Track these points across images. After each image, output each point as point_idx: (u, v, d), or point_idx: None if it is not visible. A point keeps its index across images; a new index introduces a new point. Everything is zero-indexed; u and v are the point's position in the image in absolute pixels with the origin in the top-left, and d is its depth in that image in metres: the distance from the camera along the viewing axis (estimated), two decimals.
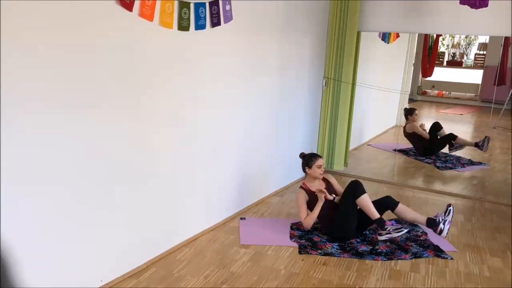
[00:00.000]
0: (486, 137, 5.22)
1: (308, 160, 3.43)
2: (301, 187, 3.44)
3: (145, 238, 2.86)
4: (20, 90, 1.99)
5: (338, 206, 3.35)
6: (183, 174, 3.09)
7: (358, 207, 3.28)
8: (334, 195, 3.39)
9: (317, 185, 3.44)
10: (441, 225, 3.19)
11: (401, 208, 3.32)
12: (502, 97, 5.26)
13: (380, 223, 3.19)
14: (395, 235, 3.16)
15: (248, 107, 3.69)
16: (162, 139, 2.85)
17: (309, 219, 3.33)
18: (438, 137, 5.48)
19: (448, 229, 3.21)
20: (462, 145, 5.36)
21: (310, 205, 3.37)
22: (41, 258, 2.22)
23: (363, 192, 3.25)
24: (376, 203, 3.28)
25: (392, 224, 3.19)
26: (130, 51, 2.50)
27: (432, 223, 3.23)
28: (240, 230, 3.48)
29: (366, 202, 3.22)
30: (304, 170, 3.47)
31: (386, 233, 3.16)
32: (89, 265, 2.50)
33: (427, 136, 5.50)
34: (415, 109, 5.56)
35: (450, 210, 3.26)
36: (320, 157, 3.46)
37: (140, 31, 2.52)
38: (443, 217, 3.23)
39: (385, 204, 3.33)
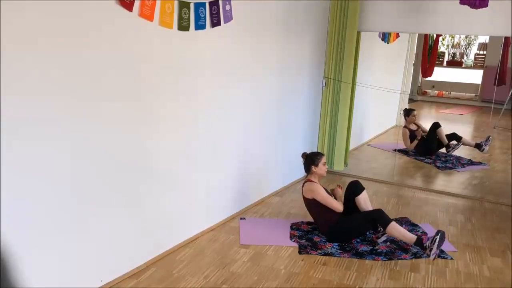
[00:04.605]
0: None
1: (313, 158, 3.43)
2: (309, 181, 3.41)
3: (145, 238, 2.86)
4: (20, 90, 1.99)
5: (350, 216, 3.38)
6: (183, 174, 3.09)
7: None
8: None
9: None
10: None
11: (362, 196, 3.35)
12: (502, 97, 5.26)
13: (420, 244, 3.07)
14: (435, 247, 3.00)
15: (248, 107, 3.69)
16: (162, 139, 2.85)
17: (341, 202, 3.40)
18: (437, 136, 5.49)
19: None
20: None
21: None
22: (41, 258, 2.22)
23: (390, 220, 3.17)
24: (346, 198, 3.42)
25: (427, 239, 3.07)
26: (130, 51, 2.50)
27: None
28: (240, 230, 3.48)
29: (397, 230, 3.12)
30: (309, 170, 3.45)
31: (430, 250, 3.03)
32: (89, 265, 2.50)
33: (411, 147, 5.54)
34: (414, 110, 5.57)
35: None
36: (323, 154, 3.52)
37: (140, 31, 2.52)
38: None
39: (351, 189, 3.41)
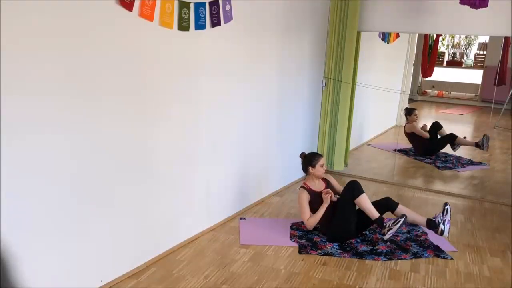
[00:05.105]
0: (484, 135, 5.24)
1: (311, 159, 3.42)
2: (302, 187, 3.43)
3: (145, 238, 2.86)
4: (20, 90, 1.99)
5: (337, 206, 3.35)
6: (184, 174, 3.09)
7: (357, 207, 3.28)
8: (337, 196, 3.42)
9: (318, 185, 3.44)
10: (441, 226, 3.19)
11: (400, 209, 3.31)
12: (502, 97, 5.26)
13: (380, 222, 3.19)
14: (395, 227, 3.11)
15: (248, 107, 3.69)
16: (162, 139, 2.85)
17: (313, 220, 3.30)
18: (438, 136, 5.49)
19: (449, 228, 3.21)
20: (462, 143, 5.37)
21: (313, 205, 3.35)
22: (41, 258, 2.22)
23: (362, 191, 3.24)
24: (376, 204, 3.28)
25: (389, 220, 3.21)
26: (129, 51, 2.50)
27: (432, 225, 3.24)
28: (240, 230, 3.48)
29: (364, 202, 3.22)
30: (306, 170, 3.46)
31: (388, 230, 3.13)
32: (89, 265, 2.50)
33: (427, 135, 5.50)
34: (415, 109, 5.57)
35: (447, 209, 3.25)
36: (322, 156, 3.49)
37: (140, 31, 2.52)
38: (442, 217, 3.23)
39: (385, 205, 3.34)
